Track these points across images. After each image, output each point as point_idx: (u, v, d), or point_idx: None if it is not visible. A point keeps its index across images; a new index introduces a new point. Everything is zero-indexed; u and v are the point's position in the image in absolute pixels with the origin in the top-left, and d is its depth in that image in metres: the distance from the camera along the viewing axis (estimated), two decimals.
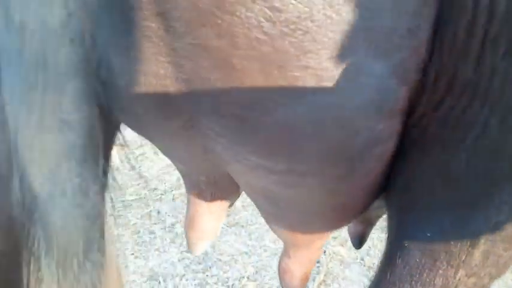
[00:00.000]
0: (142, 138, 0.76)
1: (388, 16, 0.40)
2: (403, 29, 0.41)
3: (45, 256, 0.32)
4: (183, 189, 2.53)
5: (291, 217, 0.71)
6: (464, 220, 0.52)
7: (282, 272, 0.98)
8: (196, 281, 1.96)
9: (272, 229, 0.81)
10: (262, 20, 0.40)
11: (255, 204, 0.77)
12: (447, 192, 0.53)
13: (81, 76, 0.31)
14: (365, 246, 2.08)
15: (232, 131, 0.50)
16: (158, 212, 2.48)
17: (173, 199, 2.58)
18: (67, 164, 0.31)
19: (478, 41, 0.43)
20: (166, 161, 2.68)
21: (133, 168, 2.60)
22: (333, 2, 0.38)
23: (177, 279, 1.98)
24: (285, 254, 0.95)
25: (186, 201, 2.69)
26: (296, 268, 0.95)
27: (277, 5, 0.38)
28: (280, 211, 0.70)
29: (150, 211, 2.47)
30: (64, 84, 0.29)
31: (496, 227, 0.51)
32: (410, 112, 0.51)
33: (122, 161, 0.98)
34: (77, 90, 0.31)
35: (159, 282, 1.97)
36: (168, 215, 2.45)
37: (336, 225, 0.73)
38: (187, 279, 1.98)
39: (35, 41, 0.28)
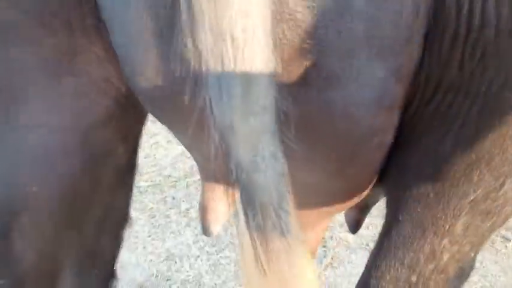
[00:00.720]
0: (156, 127, 0.86)
1: (387, 28, 0.51)
2: (399, 38, 0.52)
3: (249, 210, 0.45)
4: (196, 177, 2.63)
5: (298, 199, 0.81)
6: (447, 197, 0.63)
7: None
8: (210, 262, 2.07)
9: None
10: (285, 29, 0.50)
11: None
12: (434, 173, 0.63)
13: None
14: (370, 233, 2.19)
15: None
16: (173, 198, 2.56)
17: (187, 186, 2.65)
18: (265, 137, 0.44)
19: (460, 50, 0.53)
20: (179, 149, 2.78)
21: (148, 155, 2.71)
22: (344, 16, 0.49)
23: (192, 259, 2.09)
24: None
25: (199, 188, 2.78)
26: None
27: (299, 16, 0.49)
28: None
29: (165, 197, 2.55)
30: (260, 78, 0.43)
31: (474, 202, 0.62)
32: (406, 107, 0.62)
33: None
34: (268, 81, 0.44)
35: (175, 262, 2.08)
36: (183, 201, 2.53)
37: (339, 206, 0.84)
38: (201, 260, 2.09)
39: (246, 51, 0.42)
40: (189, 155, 2.95)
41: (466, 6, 0.50)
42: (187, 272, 2.04)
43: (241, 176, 0.45)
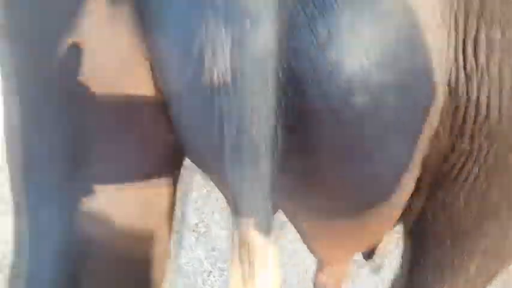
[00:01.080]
0: None
1: (411, 115, 0.62)
2: (420, 121, 0.63)
3: (239, 218, 0.61)
4: (203, 191, 2.68)
5: (330, 241, 0.91)
6: (461, 244, 0.74)
7: (317, 284, 1.19)
8: (223, 277, 2.12)
9: (311, 250, 1.02)
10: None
11: (296, 228, 0.97)
12: (449, 223, 0.74)
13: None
14: None
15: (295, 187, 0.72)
16: (182, 214, 2.58)
17: (195, 200, 2.67)
18: (260, 179, 0.60)
19: (469, 127, 0.64)
20: (184, 163, 2.83)
21: None
22: (378, 109, 0.60)
23: (205, 274, 2.14)
24: (320, 270, 1.15)
25: (207, 202, 2.75)
26: (331, 281, 1.16)
27: (335, 104, 0.60)
28: (321, 237, 0.90)
29: (174, 212, 2.57)
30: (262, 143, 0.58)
31: (484, 248, 0.73)
32: (424, 166, 0.72)
33: None
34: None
35: (189, 278, 2.14)
36: (191, 216, 2.55)
37: (364, 246, 0.95)
38: (214, 276, 2.14)
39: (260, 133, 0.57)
40: (194, 168, 2.97)
41: (474, 95, 0.62)
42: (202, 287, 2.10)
43: (239, 199, 0.60)
